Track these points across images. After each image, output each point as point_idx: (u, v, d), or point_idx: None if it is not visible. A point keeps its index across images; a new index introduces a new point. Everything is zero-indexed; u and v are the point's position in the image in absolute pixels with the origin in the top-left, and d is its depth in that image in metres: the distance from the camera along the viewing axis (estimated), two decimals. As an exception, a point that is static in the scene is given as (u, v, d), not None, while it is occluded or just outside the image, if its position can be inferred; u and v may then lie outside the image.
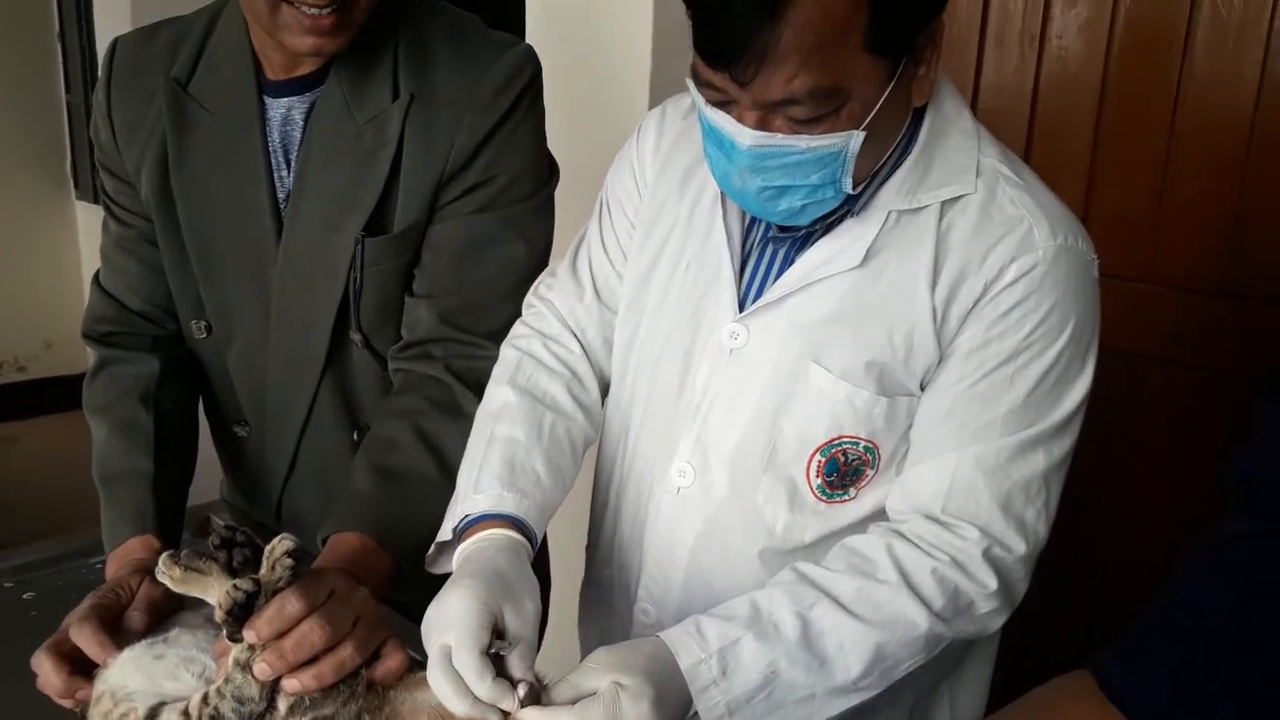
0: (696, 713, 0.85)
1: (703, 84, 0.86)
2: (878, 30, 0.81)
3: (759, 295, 0.98)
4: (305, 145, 1.15)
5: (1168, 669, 0.68)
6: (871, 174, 0.92)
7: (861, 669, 0.88)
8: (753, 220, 0.99)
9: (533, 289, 1.16)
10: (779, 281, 0.96)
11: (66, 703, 0.92)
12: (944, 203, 0.92)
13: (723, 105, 0.86)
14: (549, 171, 1.22)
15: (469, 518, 0.96)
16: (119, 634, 0.93)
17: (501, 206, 1.15)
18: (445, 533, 0.98)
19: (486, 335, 1.16)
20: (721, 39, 0.80)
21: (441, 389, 1.15)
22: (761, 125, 0.84)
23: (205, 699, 0.83)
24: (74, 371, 4.81)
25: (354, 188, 1.14)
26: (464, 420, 1.09)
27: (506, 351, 1.12)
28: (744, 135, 0.84)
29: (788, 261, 0.97)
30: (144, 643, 0.91)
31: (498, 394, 1.06)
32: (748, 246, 1.00)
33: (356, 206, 1.14)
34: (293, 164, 1.17)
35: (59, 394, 4.75)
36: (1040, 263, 0.90)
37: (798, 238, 0.96)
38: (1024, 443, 0.92)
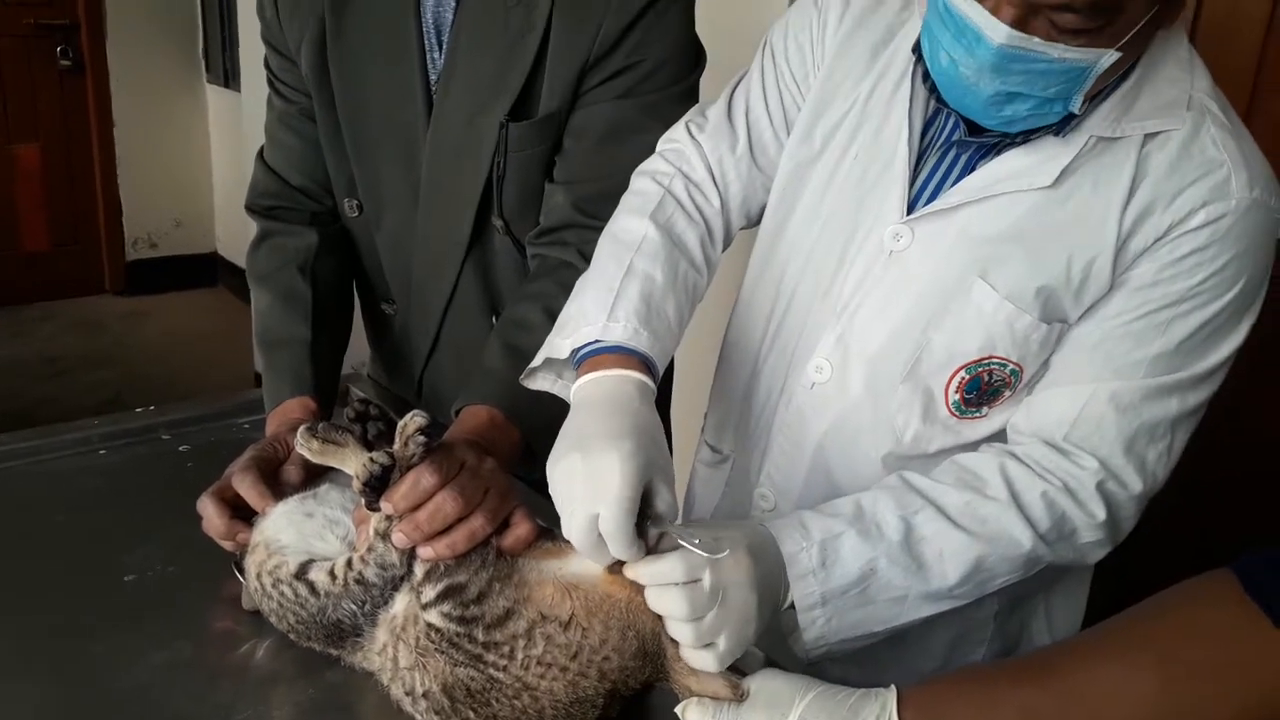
0: (790, 605, 0.87)
1: None
2: None
3: (931, 200, 0.95)
4: (456, 26, 1.16)
5: None
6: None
7: (958, 578, 0.89)
8: (934, 116, 0.95)
9: (680, 123, 1.10)
10: (956, 187, 0.93)
11: (227, 544, 0.99)
12: (1146, 134, 0.88)
13: None
14: (696, 58, 1.19)
15: (599, 345, 0.91)
16: (276, 485, 0.99)
17: (645, 93, 1.15)
18: (561, 350, 0.93)
19: None
20: None
21: (573, 274, 1.14)
22: (1019, 25, 0.78)
23: (349, 564, 0.87)
24: (202, 251, 5.01)
25: (501, 71, 1.14)
26: None
27: (645, 183, 1.06)
28: (997, 31, 0.78)
29: (968, 169, 0.93)
30: (296, 497, 0.97)
31: (635, 226, 1.01)
32: (925, 146, 0.96)
33: (503, 90, 1.14)
34: (444, 46, 1.18)
35: (188, 271, 4.96)
36: (1230, 213, 0.86)
37: (987, 146, 0.92)
38: (1162, 387, 0.90)
